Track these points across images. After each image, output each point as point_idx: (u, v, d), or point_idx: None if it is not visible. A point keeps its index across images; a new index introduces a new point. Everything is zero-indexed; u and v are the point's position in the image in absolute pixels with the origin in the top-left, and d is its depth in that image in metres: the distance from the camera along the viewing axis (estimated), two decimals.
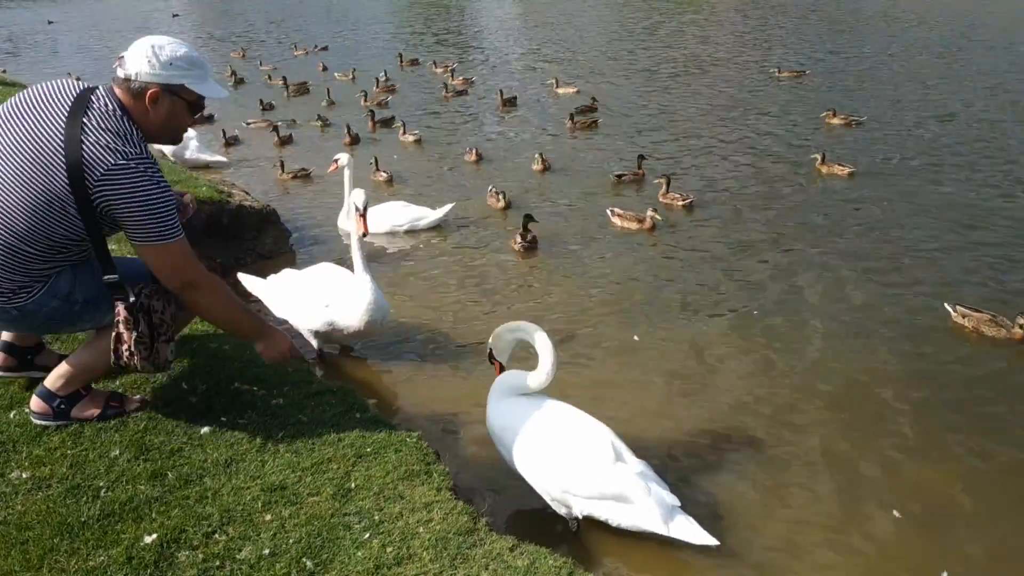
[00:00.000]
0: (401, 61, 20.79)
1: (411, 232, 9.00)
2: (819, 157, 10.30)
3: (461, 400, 5.42)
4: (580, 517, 4.08)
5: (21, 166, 3.38)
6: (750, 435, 5.18)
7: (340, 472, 3.81)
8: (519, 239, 8.26)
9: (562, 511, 4.17)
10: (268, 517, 3.49)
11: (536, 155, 11.04)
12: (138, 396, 4.19)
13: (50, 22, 34.18)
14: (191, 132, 11.84)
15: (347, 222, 9.08)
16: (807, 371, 5.93)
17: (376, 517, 3.55)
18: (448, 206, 9.14)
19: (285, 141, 13.27)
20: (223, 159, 11.83)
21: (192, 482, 3.67)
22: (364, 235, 5.67)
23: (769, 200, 9.40)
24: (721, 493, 4.64)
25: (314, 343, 6.08)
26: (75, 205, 3.38)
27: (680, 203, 9.21)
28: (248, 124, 14.28)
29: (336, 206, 9.31)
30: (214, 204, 8.08)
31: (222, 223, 8.13)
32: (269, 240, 8.49)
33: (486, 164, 11.51)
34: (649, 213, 8.72)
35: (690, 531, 3.91)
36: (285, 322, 6.16)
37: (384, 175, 11.09)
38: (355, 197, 5.68)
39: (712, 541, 3.87)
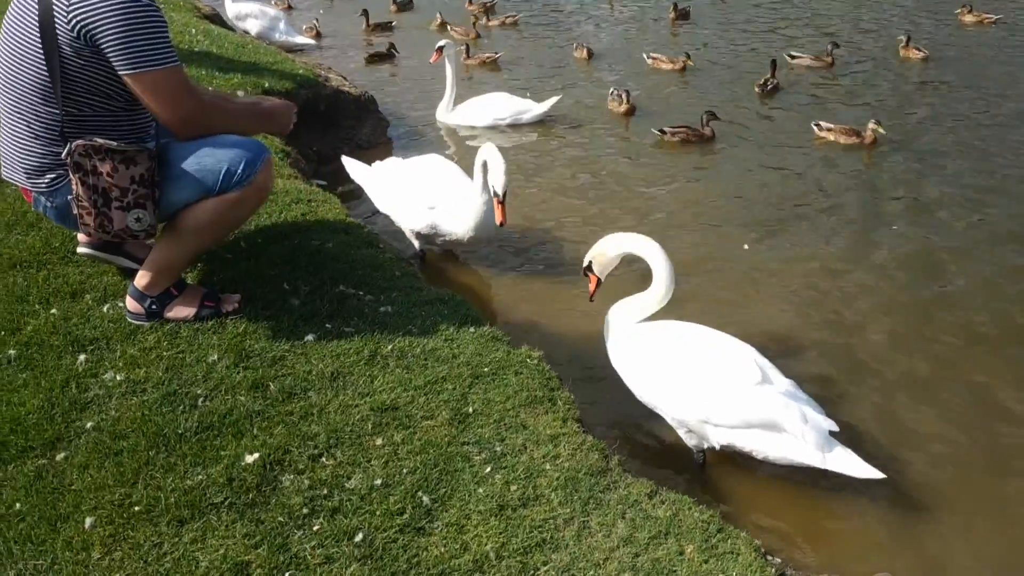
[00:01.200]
0: None
1: (513, 126, 8.43)
2: None
3: (577, 319, 4.91)
4: (718, 447, 3.62)
5: (9, 42, 3.29)
6: (890, 360, 4.62)
7: (456, 394, 3.42)
8: (696, 127, 7.95)
9: (692, 442, 3.73)
10: (379, 441, 3.14)
11: (682, 55, 10.17)
12: (236, 296, 3.84)
13: None
14: (279, 13, 11.35)
15: (446, 115, 8.58)
16: (955, 299, 5.28)
17: (497, 449, 3.16)
18: (554, 99, 8.50)
19: (383, 27, 12.63)
20: (311, 41, 11.36)
21: (296, 396, 3.33)
22: (502, 224, 5.01)
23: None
24: (867, 421, 4.13)
25: (416, 243, 5.67)
26: (42, 55, 3.16)
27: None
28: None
29: (436, 96, 8.76)
30: (311, 88, 7.63)
31: (319, 110, 7.69)
32: (367, 129, 8.04)
33: (596, 61, 10.74)
34: (871, 126, 7.74)
35: (850, 463, 3.43)
36: (387, 217, 5.75)
37: (488, 56, 10.64)
38: (495, 181, 4.91)
39: (876, 474, 3.39)
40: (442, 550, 2.72)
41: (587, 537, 2.84)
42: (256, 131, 3.79)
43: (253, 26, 10.91)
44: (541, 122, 8.52)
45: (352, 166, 6.09)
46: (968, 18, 11.86)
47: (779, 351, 4.59)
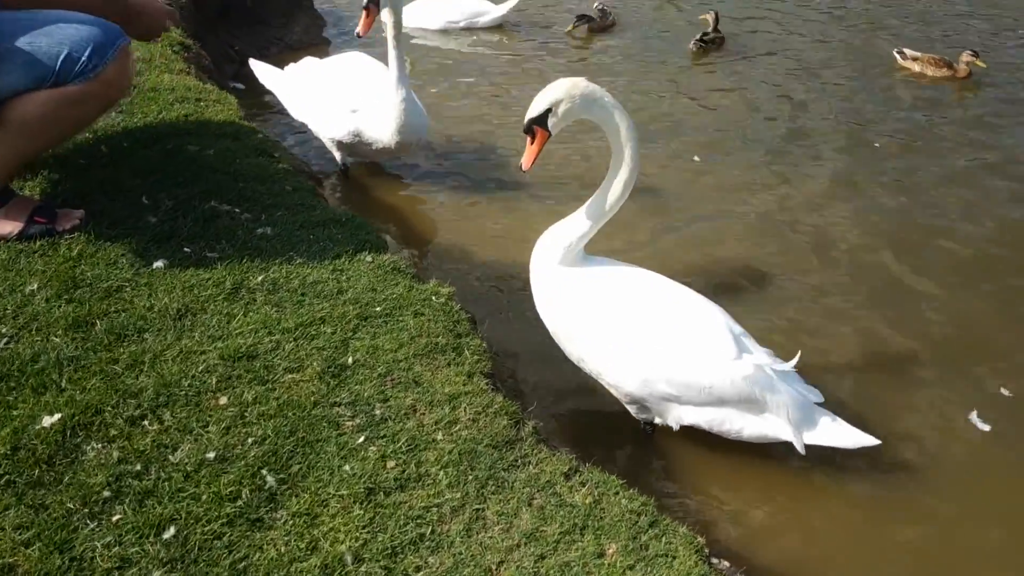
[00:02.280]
0: None
1: (468, 30, 7.55)
2: None
3: (512, 250, 4.17)
4: (677, 427, 2.95)
5: None
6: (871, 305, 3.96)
7: (335, 339, 2.72)
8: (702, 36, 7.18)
9: (642, 416, 3.06)
10: (223, 400, 2.44)
11: None
12: (79, 211, 3.09)
13: None
14: None
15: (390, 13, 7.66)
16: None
17: (377, 412, 2.48)
18: (513, 1, 7.61)
19: None
20: None
21: (127, 338, 2.61)
22: (359, 36, 4.51)
23: None
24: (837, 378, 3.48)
25: (337, 155, 4.90)
26: None
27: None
28: None
29: None
30: None
31: (244, 3, 6.79)
32: (299, 28, 7.15)
33: None
34: (965, 59, 6.62)
35: (838, 432, 2.85)
36: (304, 126, 4.97)
37: None
38: None
39: (869, 440, 2.83)
40: (281, 550, 2.05)
41: (479, 532, 2.18)
42: (105, 15, 2.96)
43: None
44: (500, 27, 7.65)
45: (262, 69, 5.28)
46: None
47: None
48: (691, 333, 2.81)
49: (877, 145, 5.58)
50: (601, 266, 3.01)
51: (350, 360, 2.64)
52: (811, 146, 5.55)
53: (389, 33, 4.35)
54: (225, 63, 6.35)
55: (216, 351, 2.59)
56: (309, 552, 2.06)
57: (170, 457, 2.25)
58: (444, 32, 7.54)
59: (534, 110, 2.71)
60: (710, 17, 7.27)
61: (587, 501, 2.30)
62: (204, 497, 2.14)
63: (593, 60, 7.06)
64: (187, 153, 3.63)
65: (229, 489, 2.17)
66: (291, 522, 2.13)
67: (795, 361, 2.88)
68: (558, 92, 2.67)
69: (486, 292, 3.81)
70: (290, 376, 2.55)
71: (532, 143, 2.77)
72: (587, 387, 3.24)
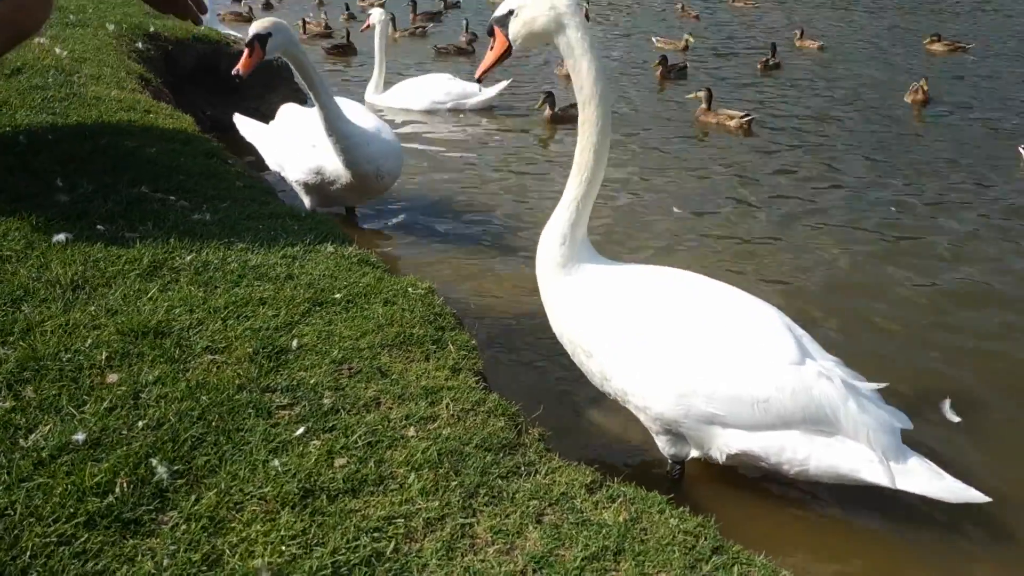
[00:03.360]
0: None
1: (455, 111, 7.20)
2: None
3: (494, 287, 3.63)
4: (723, 458, 2.25)
5: None
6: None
7: (277, 321, 2.06)
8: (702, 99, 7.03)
9: (671, 449, 2.36)
10: (112, 378, 1.76)
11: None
12: None
13: None
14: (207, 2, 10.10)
15: (376, 96, 7.36)
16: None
17: (326, 402, 1.80)
18: (502, 84, 7.32)
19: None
20: (238, 35, 10.12)
21: None
22: (237, 76, 3.66)
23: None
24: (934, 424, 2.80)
25: (306, 200, 4.34)
26: None
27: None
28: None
29: (365, 73, 7.55)
30: (209, 44, 6.35)
31: (218, 68, 6.38)
32: (277, 99, 6.68)
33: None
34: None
35: (936, 481, 2.15)
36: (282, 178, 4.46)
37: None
38: (259, 23, 3.71)
39: (978, 497, 2.12)
40: (162, 563, 1.34)
41: (466, 552, 1.47)
42: None
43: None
44: (488, 109, 7.31)
45: (244, 123, 4.86)
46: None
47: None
48: (738, 333, 2.17)
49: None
50: (616, 264, 2.40)
51: (294, 344, 1.98)
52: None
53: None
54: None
55: (114, 326, 1.93)
56: (205, 567, 1.35)
57: (20, 440, 1.55)
58: (430, 112, 7.17)
59: (498, 11, 2.23)
60: (702, 94, 6.98)
61: (620, 519, 1.60)
62: (58, 490, 1.44)
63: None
64: (123, 149, 3.06)
65: (96, 480, 1.46)
66: (184, 527, 1.42)
67: (877, 385, 2.25)
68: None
69: (468, 301, 3.18)
70: (211, 357, 1.88)
71: (491, 49, 2.27)
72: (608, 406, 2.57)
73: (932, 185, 5.51)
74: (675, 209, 4.91)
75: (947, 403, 2.76)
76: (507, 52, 2.24)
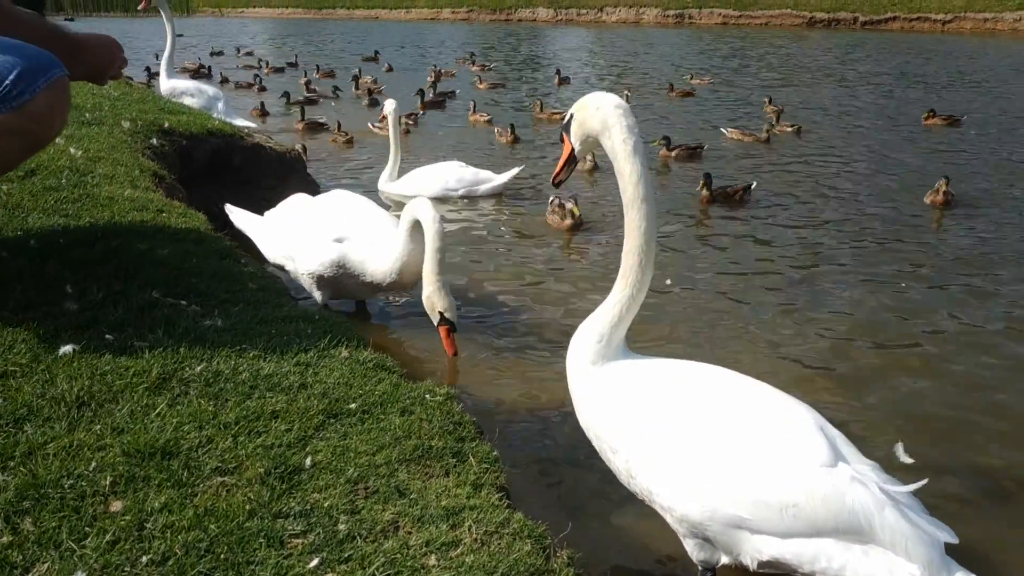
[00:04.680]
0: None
1: (468, 198, 7.22)
2: None
3: (515, 385, 3.53)
4: (754, 566, 2.12)
5: None
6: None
7: (289, 437, 1.97)
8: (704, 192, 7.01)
9: (701, 555, 2.23)
10: (117, 506, 1.67)
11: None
12: None
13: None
14: (218, 92, 10.31)
15: (390, 184, 7.40)
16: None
17: (341, 528, 1.69)
18: (514, 170, 7.35)
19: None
20: (253, 124, 10.26)
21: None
22: (454, 355, 3.66)
23: None
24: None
25: (317, 295, 4.29)
26: None
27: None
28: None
29: (379, 165, 7.60)
30: (223, 138, 6.41)
31: (232, 163, 6.45)
32: (291, 191, 6.70)
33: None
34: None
35: None
36: (281, 268, 4.41)
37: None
38: (440, 303, 3.57)
39: None
40: None
41: None
42: (48, 49, 2.48)
43: (189, 103, 9.83)
44: (500, 195, 7.33)
45: (238, 214, 4.83)
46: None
47: None
48: (767, 433, 2.07)
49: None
50: (647, 359, 2.32)
51: (308, 462, 1.88)
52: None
53: (406, 218, 3.83)
54: (209, 220, 5.92)
55: (120, 446, 1.84)
56: None
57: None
58: (442, 200, 7.19)
59: (566, 116, 2.28)
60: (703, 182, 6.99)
61: None
62: None
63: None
64: (134, 251, 3.01)
65: None
66: None
67: (917, 485, 2.12)
68: (583, 101, 2.23)
69: (489, 409, 3.07)
70: (220, 479, 1.79)
71: (563, 155, 2.34)
72: (643, 514, 2.44)
73: (950, 277, 5.42)
74: (667, 281, 4.94)
75: (900, 446, 2.69)
76: (572, 155, 2.29)
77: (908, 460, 2.61)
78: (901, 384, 3.73)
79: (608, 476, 2.32)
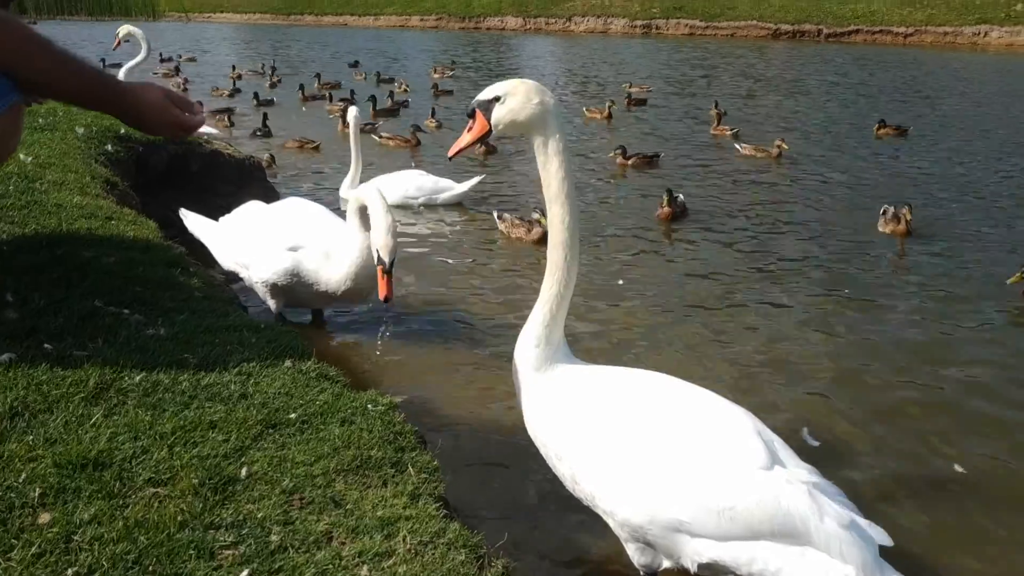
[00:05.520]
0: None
1: (428, 206, 7.23)
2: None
3: (465, 394, 3.57)
4: (694, 568, 2.15)
5: None
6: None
7: (226, 447, 1.96)
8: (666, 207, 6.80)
9: (642, 559, 2.26)
10: (45, 518, 1.65)
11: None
12: None
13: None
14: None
15: (350, 192, 7.37)
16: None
17: (274, 539, 1.69)
18: (475, 179, 7.37)
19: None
20: (214, 131, 10.14)
21: None
22: (387, 300, 3.65)
23: None
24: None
25: (271, 303, 4.27)
26: None
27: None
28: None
29: (339, 172, 7.58)
30: (180, 145, 6.35)
31: (189, 169, 6.40)
32: (250, 198, 6.67)
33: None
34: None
35: None
36: (234, 275, 4.39)
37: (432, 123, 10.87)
38: (378, 242, 3.59)
39: None
40: None
41: None
42: (96, 102, 2.39)
43: None
44: (459, 204, 7.35)
45: (192, 219, 4.78)
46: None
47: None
48: (705, 437, 2.11)
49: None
50: (590, 367, 2.35)
51: (243, 472, 1.88)
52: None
53: (352, 206, 3.86)
54: (166, 227, 5.86)
55: (52, 457, 1.82)
56: None
57: None
58: (402, 207, 7.19)
59: (483, 95, 2.23)
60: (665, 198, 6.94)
61: None
62: None
63: None
64: (80, 258, 2.98)
65: None
66: None
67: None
68: (515, 87, 2.20)
69: (429, 413, 3.08)
70: (153, 490, 1.78)
71: (468, 131, 2.27)
72: (586, 520, 2.46)
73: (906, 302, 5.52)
74: (620, 281, 5.16)
75: (805, 430, 3.15)
76: (486, 135, 2.26)
77: (814, 443, 3.01)
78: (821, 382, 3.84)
79: (553, 483, 2.34)
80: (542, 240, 6.17)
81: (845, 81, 19.52)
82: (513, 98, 2.19)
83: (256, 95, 14.01)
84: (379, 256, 3.59)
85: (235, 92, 15.28)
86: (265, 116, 11.29)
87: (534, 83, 2.23)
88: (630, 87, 16.41)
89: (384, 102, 13.34)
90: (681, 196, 7.04)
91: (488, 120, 2.22)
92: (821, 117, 13.47)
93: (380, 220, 3.62)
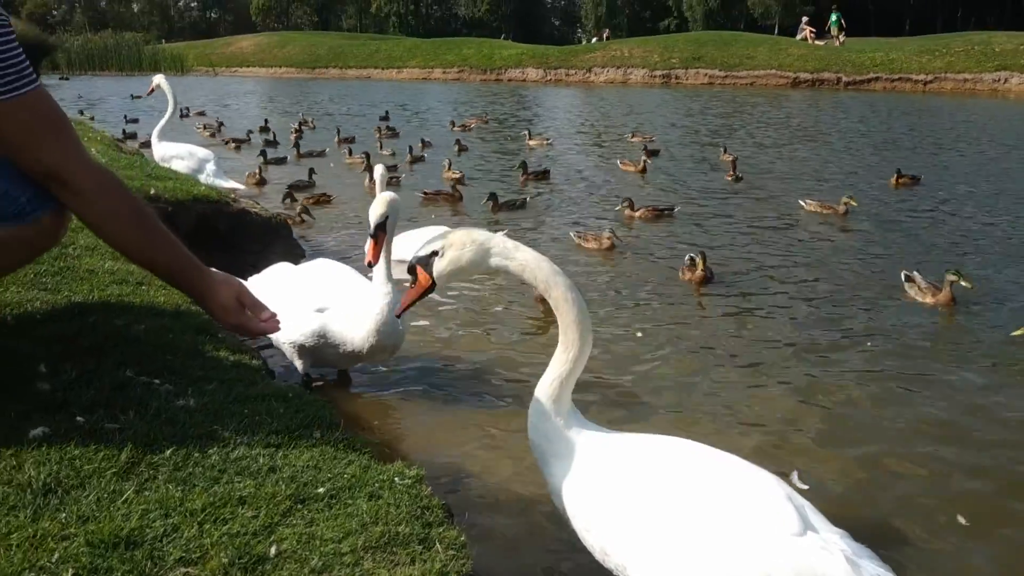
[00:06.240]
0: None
1: None
2: None
3: (493, 458, 3.55)
4: None
5: None
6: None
7: (255, 525, 1.97)
8: (696, 270, 6.55)
9: None
10: None
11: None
12: None
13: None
14: (208, 155, 10.39)
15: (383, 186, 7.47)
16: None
17: None
18: (501, 233, 7.39)
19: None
20: (241, 186, 10.32)
21: None
22: (370, 265, 4.03)
23: None
24: None
25: (298, 363, 4.31)
26: None
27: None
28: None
29: (364, 228, 7.66)
30: (209, 204, 6.48)
31: (217, 228, 6.52)
32: (276, 256, 6.76)
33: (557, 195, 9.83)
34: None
35: None
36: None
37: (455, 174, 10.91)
38: (374, 208, 3.98)
39: None
40: None
41: None
42: (173, 275, 2.50)
43: (179, 166, 9.90)
44: None
45: None
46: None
47: None
48: (735, 503, 2.09)
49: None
50: (611, 434, 2.36)
51: (272, 551, 1.88)
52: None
53: (374, 211, 3.99)
54: None
55: (84, 536, 1.84)
56: None
57: None
58: None
59: (420, 251, 2.30)
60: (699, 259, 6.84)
61: None
62: None
63: (581, 280, 6.71)
64: (111, 327, 3.04)
65: None
66: None
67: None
68: (451, 239, 2.26)
69: (457, 482, 3.07)
70: (184, 570, 1.79)
71: (411, 286, 2.34)
72: None
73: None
74: (638, 334, 5.16)
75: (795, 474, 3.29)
76: (430, 289, 2.32)
77: (802, 486, 3.10)
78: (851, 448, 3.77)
79: (583, 553, 2.33)
80: (612, 248, 7.45)
81: (860, 128, 19.53)
82: (450, 249, 2.25)
83: (297, 144, 14.34)
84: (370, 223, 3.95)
85: (274, 142, 15.64)
86: (311, 171, 11.59)
87: (467, 229, 2.29)
88: (632, 136, 16.54)
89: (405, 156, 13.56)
90: (698, 257, 6.79)
91: (430, 274, 2.28)
92: (841, 166, 13.45)
93: (380, 197, 3.99)
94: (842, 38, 42.06)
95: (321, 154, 14.22)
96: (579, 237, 7.71)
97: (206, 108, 24.04)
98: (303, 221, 8.93)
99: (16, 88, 2.07)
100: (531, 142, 16.17)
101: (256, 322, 2.46)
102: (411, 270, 2.30)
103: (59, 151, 2.20)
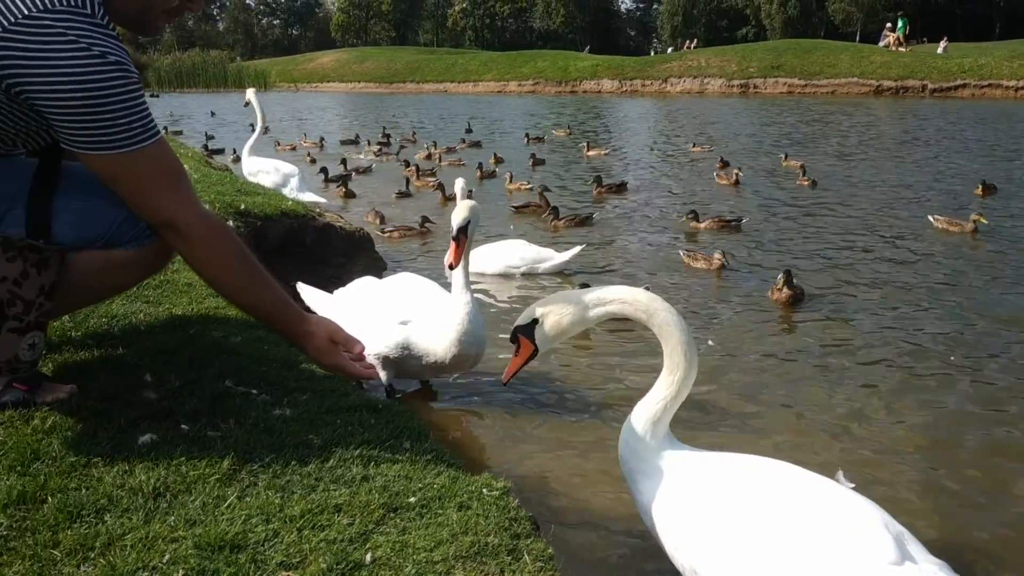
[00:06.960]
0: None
1: (529, 275, 7.34)
2: None
3: (578, 473, 3.57)
4: None
5: None
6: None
7: (351, 532, 2.04)
8: (784, 288, 6.33)
9: None
10: None
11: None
12: (70, 386, 2.60)
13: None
14: (293, 169, 10.68)
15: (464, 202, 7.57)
16: None
17: None
18: (576, 249, 7.45)
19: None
20: (323, 200, 10.59)
21: (80, 519, 1.99)
22: (451, 267, 4.12)
23: None
24: None
25: (382, 374, 4.40)
26: None
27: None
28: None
29: (447, 244, 7.78)
30: (296, 218, 6.68)
31: (304, 242, 6.71)
32: (360, 269, 6.97)
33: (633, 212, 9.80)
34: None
35: None
36: None
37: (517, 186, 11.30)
38: (457, 212, 4.09)
39: None
40: None
41: None
42: (276, 321, 2.58)
43: (266, 180, 10.25)
44: (560, 273, 7.43)
45: (309, 293, 4.98)
46: None
47: None
48: (831, 530, 2.06)
49: None
50: (704, 453, 2.35)
51: (368, 558, 1.95)
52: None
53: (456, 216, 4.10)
54: None
55: (192, 539, 1.93)
56: None
57: None
58: (504, 276, 7.33)
59: (520, 319, 2.36)
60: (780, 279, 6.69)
61: None
62: None
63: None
64: (210, 338, 3.18)
65: None
66: None
67: None
68: (546, 309, 2.33)
69: (544, 497, 3.11)
70: (285, 573, 1.87)
71: (515, 355, 2.39)
72: None
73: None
74: (709, 343, 5.12)
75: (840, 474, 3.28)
76: (534, 355, 2.38)
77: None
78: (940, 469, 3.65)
79: (671, 574, 2.33)
80: (722, 269, 7.25)
81: (945, 138, 18.91)
82: (549, 317, 2.31)
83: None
84: (452, 225, 4.08)
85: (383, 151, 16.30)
86: (407, 180, 12.21)
87: (560, 294, 2.36)
88: (693, 147, 16.52)
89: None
90: (782, 276, 6.62)
91: (532, 342, 2.34)
92: (923, 176, 13.05)
93: (462, 203, 4.11)
94: (905, 46, 41.04)
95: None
96: (688, 256, 7.56)
97: (306, 128, 24.61)
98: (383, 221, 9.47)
99: (141, 141, 2.17)
100: (589, 152, 16.22)
101: (353, 365, 2.53)
102: (513, 339, 2.37)
103: (175, 201, 2.27)
